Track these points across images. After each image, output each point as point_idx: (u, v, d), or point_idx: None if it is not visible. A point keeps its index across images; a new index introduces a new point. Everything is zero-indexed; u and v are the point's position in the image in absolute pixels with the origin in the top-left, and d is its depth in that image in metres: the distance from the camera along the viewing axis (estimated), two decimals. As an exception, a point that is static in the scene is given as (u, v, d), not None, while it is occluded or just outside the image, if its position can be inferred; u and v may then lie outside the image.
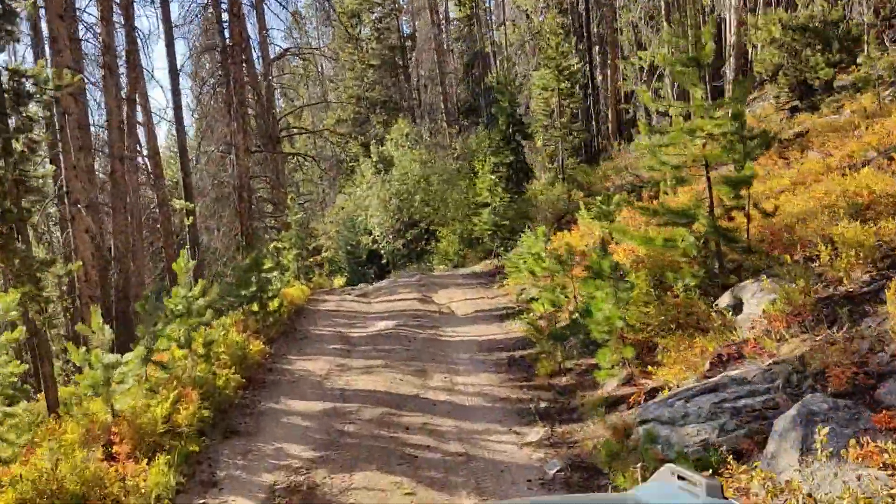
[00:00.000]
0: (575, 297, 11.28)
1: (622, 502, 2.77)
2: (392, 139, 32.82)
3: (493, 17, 43.02)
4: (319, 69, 40.32)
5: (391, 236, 32.29)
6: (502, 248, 18.42)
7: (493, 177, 17.74)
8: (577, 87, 22.70)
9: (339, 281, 42.47)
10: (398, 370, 11.87)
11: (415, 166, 31.36)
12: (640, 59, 20.96)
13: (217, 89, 23.53)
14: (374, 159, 32.84)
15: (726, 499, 2.27)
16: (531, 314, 12.55)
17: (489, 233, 17.59)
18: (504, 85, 19.82)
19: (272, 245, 19.21)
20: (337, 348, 13.68)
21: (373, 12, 43.44)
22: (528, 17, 33.65)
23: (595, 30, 31.04)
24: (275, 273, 15.50)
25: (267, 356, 13.02)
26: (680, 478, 2.35)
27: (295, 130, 27.98)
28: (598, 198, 13.58)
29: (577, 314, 10.10)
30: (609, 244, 10.58)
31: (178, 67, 26.74)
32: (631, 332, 9.42)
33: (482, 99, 32.96)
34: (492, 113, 26.74)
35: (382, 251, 32.88)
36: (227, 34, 21.58)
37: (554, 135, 19.81)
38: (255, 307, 14.02)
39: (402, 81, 44.10)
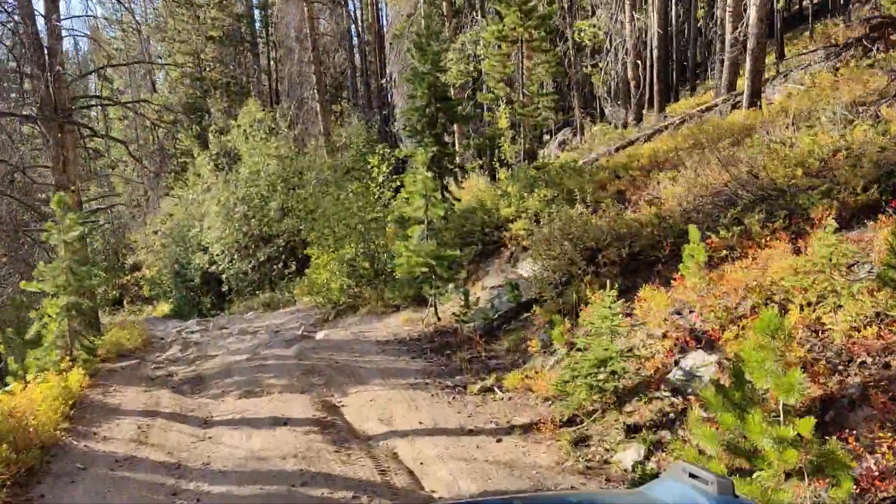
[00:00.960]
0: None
1: (633, 500, 2.57)
2: (239, 127, 24.87)
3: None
4: (142, 36, 31.14)
5: (235, 255, 24.33)
6: (447, 295, 11.54)
7: (427, 174, 10.84)
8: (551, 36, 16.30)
9: (162, 308, 33.38)
10: None
11: (270, 163, 23.67)
12: None
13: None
14: (213, 152, 24.70)
15: (737, 497, 2.23)
16: None
17: (423, 269, 10.56)
18: (424, 39, 13.09)
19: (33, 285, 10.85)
20: None
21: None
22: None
23: None
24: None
25: None
26: (692, 476, 2.33)
27: (96, 102, 19.32)
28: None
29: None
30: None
31: None
32: None
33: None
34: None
35: (223, 273, 24.79)
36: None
37: (517, 112, 13.53)
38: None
39: (248, 60, 35.87)
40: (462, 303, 11.19)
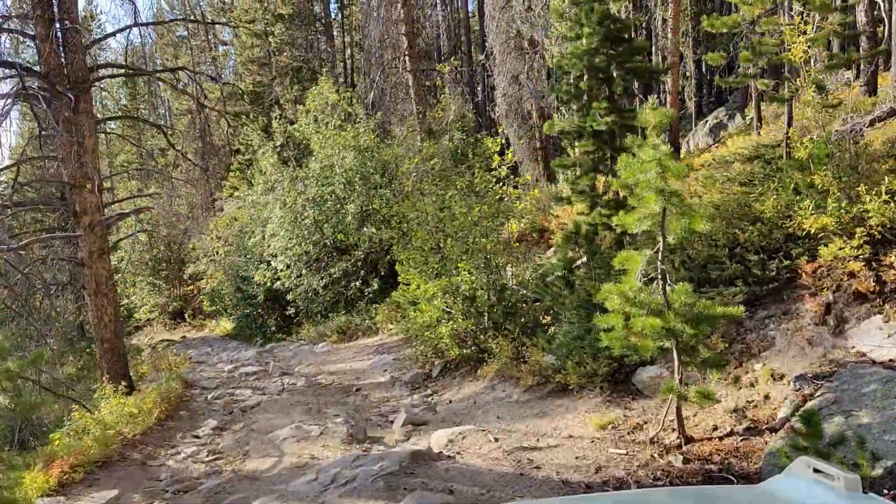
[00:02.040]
0: None
1: (755, 495, 2.45)
2: (307, 112, 20.27)
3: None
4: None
5: (304, 270, 19.74)
6: (703, 391, 5.92)
7: (665, 149, 5.66)
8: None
9: (224, 325, 29.32)
10: None
11: (347, 155, 18.96)
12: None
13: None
14: (278, 143, 20.19)
15: (866, 493, 2.07)
16: None
17: (658, 340, 5.32)
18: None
19: None
20: None
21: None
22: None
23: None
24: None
25: None
26: (816, 471, 2.20)
27: (125, 71, 14.72)
28: None
29: None
30: None
31: None
32: None
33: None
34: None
35: (288, 293, 20.25)
36: None
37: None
38: None
39: (322, 42, 31.50)
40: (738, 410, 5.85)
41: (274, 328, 22.38)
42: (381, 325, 17.93)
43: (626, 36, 8.99)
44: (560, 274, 7.90)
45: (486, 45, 23.33)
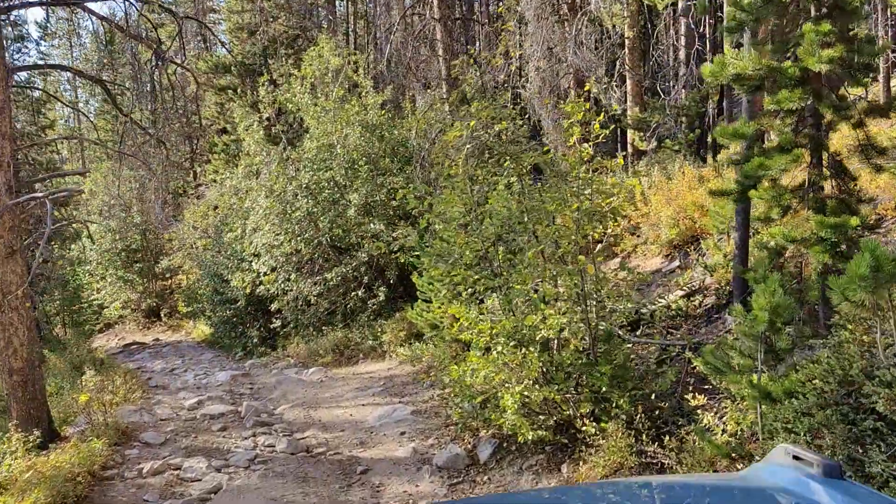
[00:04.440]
0: None
1: (735, 483, 2.51)
2: (303, 80, 16.47)
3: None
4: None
5: (293, 273, 15.98)
6: None
7: None
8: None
9: (201, 329, 25.53)
10: None
11: (351, 133, 15.21)
12: None
13: None
14: (265, 116, 16.42)
15: (843, 479, 2.12)
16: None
17: None
18: None
19: None
20: None
21: None
22: None
23: None
24: None
25: None
26: (795, 458, 2.24)
27: None
28: None
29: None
30: None
31: None
32: None
33: None
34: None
35: (272, 301, 16.49)
36: None
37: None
38: None
39: (322, 7, 27.69)
40: None
41: (256, 340, 18.64)
42: (390, 348, 14.23)
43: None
44: (752, 330, 4.25)
45: (519, 7, 19.54)
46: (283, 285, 16.14)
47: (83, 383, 12.10)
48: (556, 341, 6.02)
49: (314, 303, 15.89)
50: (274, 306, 16.35)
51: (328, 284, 15.47)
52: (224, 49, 27.46)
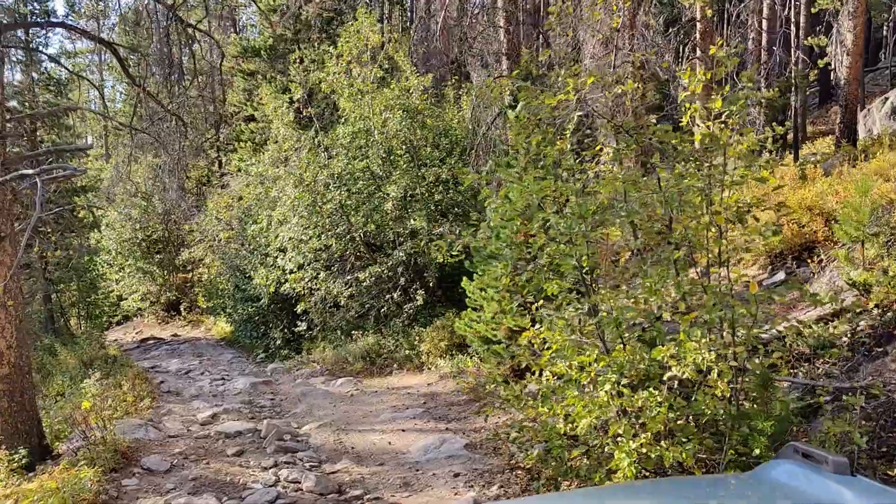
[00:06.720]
0: None
1: (746, 482, 2.44)
2: (338, 59, 14.97)
3: None
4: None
5: (321, 269, 14.49)
6: None
7: None
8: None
9: (221, 326, 24.21)
10: None
11: (392, 118, 13.70)
12: None
13: None
14: (296, 97, 14.96)
15: (854, 476, 2.07)
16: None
17: None
18: None
19: None
20: None
21: None
22: None
23: None
24: None
25: None
26: (805, 455, 2.23)
27: None
28: None
29: None
30: None
31: None
32: None
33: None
34: None
35: (297, 302, 15.01)
36: None
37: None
38: None
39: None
40: None
41: (280, 342, 17.20)
42: (428, 358, 12.67)
43: None
44: None
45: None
46: (310, 284, 14.65)
47: (85, 390, 10.70)
48: (697, 376, 4.39)
49: (344, 305, 14.37)
50: (300, 308, 14.86)
51: (360, 286, 13.94)
52: (254, 31, 26.11)
